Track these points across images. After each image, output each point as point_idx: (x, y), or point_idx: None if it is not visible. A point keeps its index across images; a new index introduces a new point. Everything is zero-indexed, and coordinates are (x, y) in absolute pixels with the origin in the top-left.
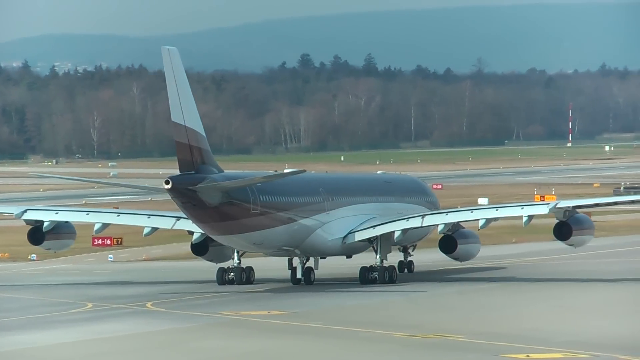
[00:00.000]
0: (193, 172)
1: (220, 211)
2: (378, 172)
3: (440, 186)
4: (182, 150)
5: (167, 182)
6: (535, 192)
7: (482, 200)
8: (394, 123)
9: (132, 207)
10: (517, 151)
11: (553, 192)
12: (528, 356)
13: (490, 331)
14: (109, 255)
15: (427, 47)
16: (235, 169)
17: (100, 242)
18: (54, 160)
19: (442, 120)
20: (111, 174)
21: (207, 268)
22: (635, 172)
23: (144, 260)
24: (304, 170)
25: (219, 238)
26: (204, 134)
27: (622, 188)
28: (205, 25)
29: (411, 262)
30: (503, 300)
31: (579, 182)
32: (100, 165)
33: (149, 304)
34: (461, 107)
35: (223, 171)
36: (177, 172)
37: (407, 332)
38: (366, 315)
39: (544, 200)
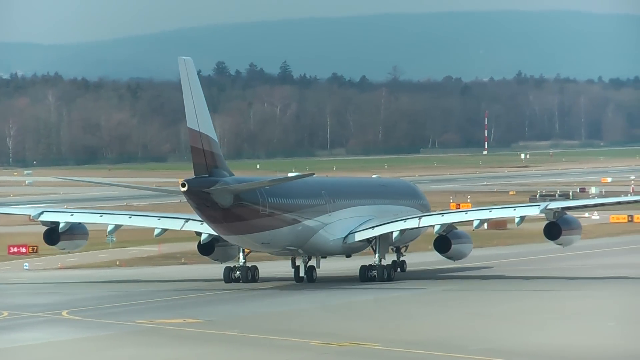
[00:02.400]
0: (207, 175)
1: (232, 212)
2: (373, 176)
3: None
4: (197, 154)
5: (183, 185)
6: (451, 200)
7: None
8: (310, 131)
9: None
10: (432, 159)
11: (469, 200)
12: None
13: (406, 339)
14: (25, 264)
15: (342, 55)
16: (150, 177)
17: (15, 250)
18: None
19: (357, 128)
20: (27, 182)
21: (123, 275)
22: (551, 180)
23: (59, 268)
24: (313, 174)
25: (229, 238)
26: (217, 140)
27: (537, 196)
28: (120, 34)
29: (404, 261)
30: (418, 308)
31: (495, 190)
32: (16, 174)
33: (64, 312)
34: (377, 115)
35: (233, 175)
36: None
37: (323, 340)
38: (282, 323)
39: (459, 208)
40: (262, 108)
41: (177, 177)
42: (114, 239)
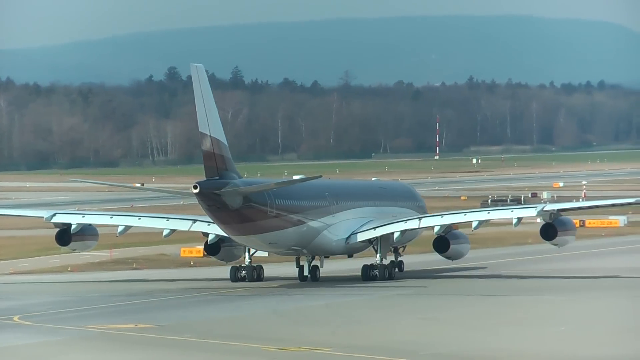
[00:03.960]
0: (217, 177)
1: (241, 213)
2: (373, 178)
3: None
4: (208, 157)
5: (195, 187)
6: None
7: None
8: (261, 136)
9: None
10: (384, 164)
11: None
12: None
13: (358, 344)
14: None
15: (294, 59)
16: (102, 182)
17: None
18: None
19: (309, 133)
20: None
21: (75, 280)
22: (502, 185)
23: (11, 273)
24: (320, 176)
25: (238, 238)
26: (226, 144)
27: (489, 201)
28: (72, 38)
29: (401, 261)
30: (370, 313)
31: (446, 195)
32: None
33: (15, 318)
34: (328, 120)
35: (242, 177)
36: (45, 184)
37: (274, 345)
38: (234, 328)
39: None
40: None
41: (128, 182)
42: None
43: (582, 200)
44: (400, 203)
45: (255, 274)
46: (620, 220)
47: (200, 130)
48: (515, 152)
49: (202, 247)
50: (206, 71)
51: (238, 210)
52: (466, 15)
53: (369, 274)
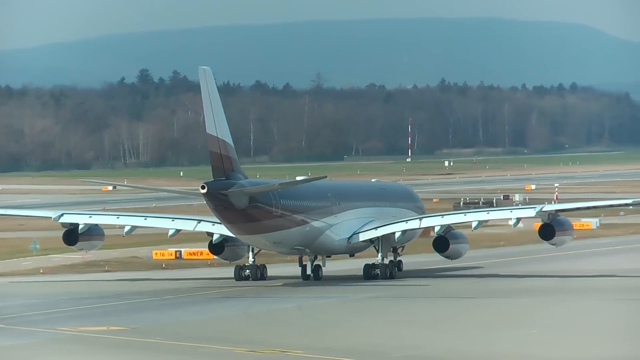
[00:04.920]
0: (224, 178)
1: (247, 213)
2: (373, 180)
3: None
4: (215, 158)
5: (203, 187)
6: None
7: None
8: (233, 138)
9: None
10: (356, 166)
11: None
12: None
13: (329, 346)
14: None
15: (265, 62)
16: (73, 185)
17: None
18: None
19: (281, 135)
20: None
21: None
22: (474, 188)
23: None
24: (326, 176)
25: (244, 237)
26: (233, 145)
27: (461, 204)
28: (44, 41)
29: (400, 261)
30: (342, 316)
31: None
32: None
33: None
34: (300, 123)
35: (248, 178)
36: (17, 187)
37: (246, 348)
38: (206, 331)
39: None
40: (186, 115)
41: (100, 185)
42: (38, 247)
43: (554, 202)
44: (399, 204)
45: (258, 273)
46: (592, 222)
47: (207, 132)
48: (487, 154)
49: (173, 250)
50: (178, 73)
51: (244, 210)
52: (438, 18)
53: (370, 273)
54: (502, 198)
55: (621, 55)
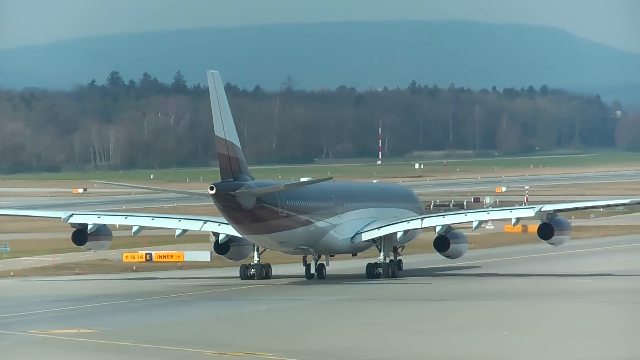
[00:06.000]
0: (232, 179)
1: (254, 213)
2: (374, 181)
3: None
4: (223, 160)
5: (211, 188)
6: None
7: None
8: (204, 141)
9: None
10: (326, 169)
11: None
12: None
13: (299, 349)
14: None
15: (236, 64)
16: (44, 187)
17: None
18: None
19: (251, 138)
20: None
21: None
22: (444, 190)
23: None
24: (332, 178)
25: (251, 237)
26: (240, 147)
27: (432, 206)
28: (14, 43)
29: (400, 260)
30: (313, 318)
31: None
32: None
33: None
34: (270, 125)
35: (254, 179)
36: None
37: (216, 350)
38: (177, 333)
39: None
40: (156, 118)
41: (71, 187)
42: (8, 249)
43: (525, 205)
44: (400, 204)
45: (263, 272)
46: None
47: (216, 134)
48: (458, 156)
49: (144, 252)
50: (148, 76)
51: (251, 211)
52: (408, 20)
53: (373, 272)
54: (472, 201)
55: (592, 58)
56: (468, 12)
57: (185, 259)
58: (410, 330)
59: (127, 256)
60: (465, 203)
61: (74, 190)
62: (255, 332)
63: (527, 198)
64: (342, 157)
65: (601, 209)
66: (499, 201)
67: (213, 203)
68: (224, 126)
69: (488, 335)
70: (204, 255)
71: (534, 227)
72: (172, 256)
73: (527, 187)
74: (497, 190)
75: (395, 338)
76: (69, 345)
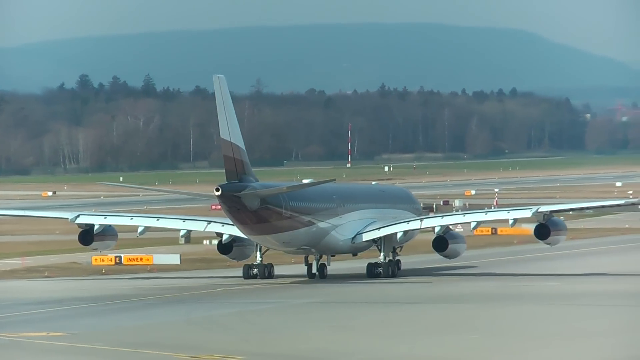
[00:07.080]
0: (237, 181)
1: (258, 214)
2: (373, 182)
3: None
4: (229, 162)
5: (217, 190)
6: None
7: None
8: (173, 144)
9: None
10: (296, 172)
11: None
12: None
13: (270, 352)
14: None
15: (205, 67)
16: (14, 190)
17: None
18: None
19: (220, 141)
20: None
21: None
22: (414, 193)
23: None
24: (334, 179)
25: (255, 238)
26: (245, 149)
27: None
28: None
29: (399, 260)
30: (283, 321)
31: None
32: None
33: None
34: (240, 128)
35: (259, 180)
36: None
37: (186, 353)
38: (146, 336)
39: None
40: (126, 121)
41: (40, 190)
42: None
43: (494, 208)
44: (399, 205)
45: (266, 271)
46: (532, 228)
47: (221, 136)
48: (427, 159)
49: (113, 255)
50: (117, 79)
51: (256, 212)
52: (378, 23)
53: (373, 272)
54: (442, 204)
55: (561, 61)
56: (437, 15)
57: (154, 262)
58: (379, 334)
59: (96, 259)
60: (434, 206)
61: (43, 194)
62: (224, 335)
63: (496, 201)
64: (312, 160)
65: (570, 212)
66: (469, 204)
67: (182, 205)
68: (230, 129)
69: (457, 338)
70: (174, 258)
71: (503, 230)
72: (141, 259)
73: (496, 190)
74: (467, 193)
75: (364, 341)
76: (38, 348)
